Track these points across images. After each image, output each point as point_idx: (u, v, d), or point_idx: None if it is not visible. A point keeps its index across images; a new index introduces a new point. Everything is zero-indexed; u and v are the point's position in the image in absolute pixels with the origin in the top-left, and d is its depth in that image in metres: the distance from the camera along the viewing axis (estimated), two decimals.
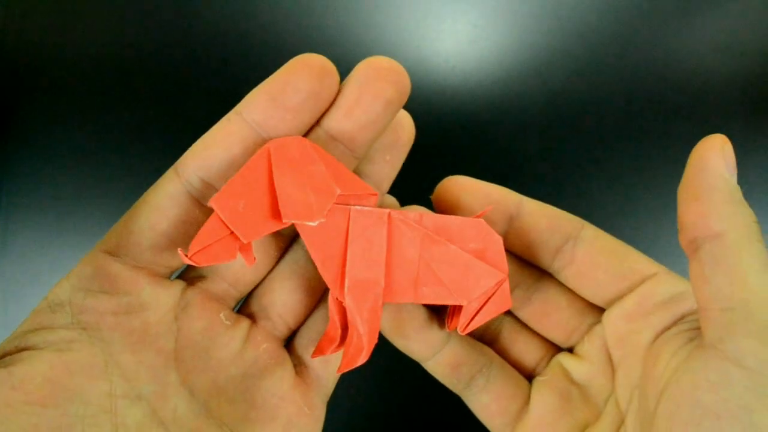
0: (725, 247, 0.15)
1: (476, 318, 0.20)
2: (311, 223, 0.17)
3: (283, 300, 0.20)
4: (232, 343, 0.19)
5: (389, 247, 0.18)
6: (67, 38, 0.33)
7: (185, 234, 0.18)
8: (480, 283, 0.19)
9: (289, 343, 0.21)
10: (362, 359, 0.18)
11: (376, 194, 0.18)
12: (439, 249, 0.19)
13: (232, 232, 0.16)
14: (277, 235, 0.20)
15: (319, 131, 0.18)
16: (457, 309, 0.20)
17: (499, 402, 0.21)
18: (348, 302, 0.18)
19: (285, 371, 0.19)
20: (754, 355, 0.14)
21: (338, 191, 0.17)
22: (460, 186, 0.21)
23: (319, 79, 0.17)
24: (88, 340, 0.16)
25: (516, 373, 0.22)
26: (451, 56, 0.34)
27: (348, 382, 0.22)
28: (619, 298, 0.20)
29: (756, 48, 0.34)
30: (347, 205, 0.18)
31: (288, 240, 0.20)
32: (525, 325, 0.22)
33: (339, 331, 0.18)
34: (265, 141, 0.17)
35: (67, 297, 0.16)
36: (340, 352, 0.19)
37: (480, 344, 0.22)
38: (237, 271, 0.19)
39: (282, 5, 0.33)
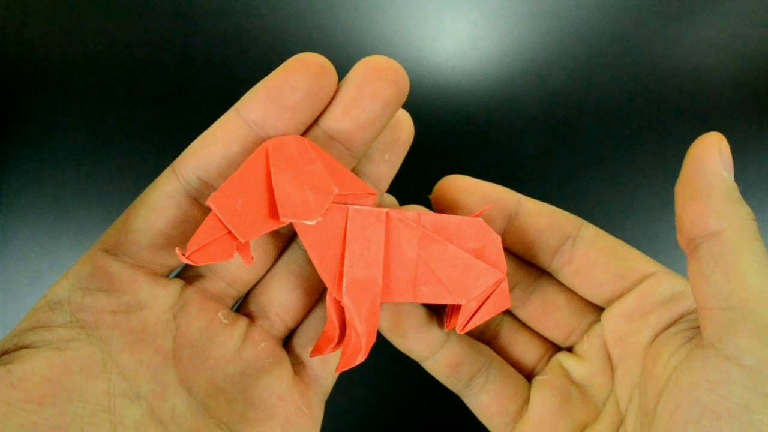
0: (724, 245, 0.15)
1: (475, 317, 0.20)
2: (309, 222, 0.17)
3: (281, 299, 0.20)
4: (230, 342, 0.19)
5: (387, 246, 0.18)
6: (67, 38, 0.33)
7: (183, 233, 0.18)
8: (478, 282, 0.19)
9: (287, 342, 0.21)
10: (360, 358, 0.18)
11: (374, 193, 0.18)
12: (437, 248, 0.19)
13: (229, 232, 0.16)
14: (275, 234, 0.20)
15: (317, 130, 0.18)
16: (455, 308, 0.20)
17: (499, 401, 0.21)
18: (346, 301, 0.18)
19: (283, 370, 0.19)
20: (753, 354, 0.14)
21: (336, 190, 0.17)
22: (458, 185, 0.21)
23: (317, 78, 0.17)
24: (87, 338, 0.16)
25: (515, 373, 0.22)
26: (451, 56, 0.34)
27: (346, 381, 0.22)
28: (618, 297, 0.20)
29: (756, 48, 0.33)
30: (345, 204, 0.18)
31: (286, 239, 0.20)
32: (524, 325, 0.23)
33: (337, 331, 0.18)
34: (263, 140, 0.17)
35: (66, 296, 0.16)
36: (339, 352, 0.19)
37: (479, 344, 0.22)
38: (235, 271, 0.19)
39: (282, 5, 0.33)
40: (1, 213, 0.32)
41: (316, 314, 0.20)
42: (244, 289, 0.20)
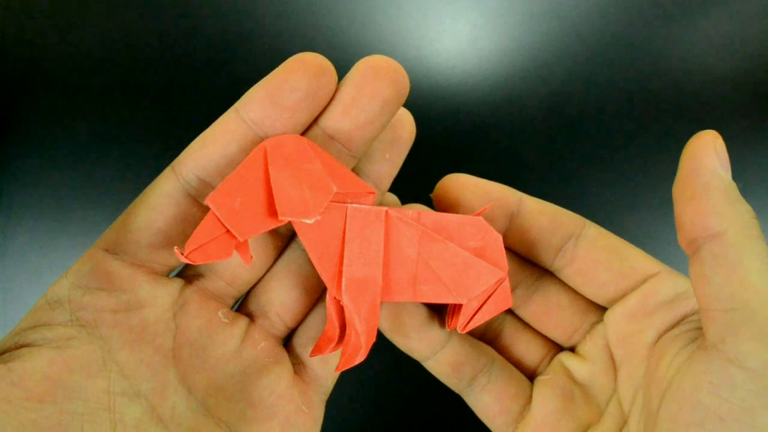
0: (725, 246, 0.15)
1: (476, 317, 0.19)
2: (307, 221, 0.17)
3: (280, 299, 0.20)
4: (230, 341, 0.19)
5: (387, 245, 0.18)
6: (67, 38, 0.33)
7: (183, 232, 0.18)
8: (479, 282, 0.19)
9: (288, 342, 0.21)
10: (360, 358, 0.18)
11: (374, 192, 0.18)
12: (437, 247, 0.19)
13: (228, 231, 0.16)
14: (274, 233, 0.20)
15: (316, 130, 0.18)
16: (457, 308, 0.20)
17: (501, 402, 0.21)
18: (345, 300, 0.18)
19: (283, 369, 0.19)
20: (756, 357, 0.14)
21: (335, 189, 0.17)
22: (460, 184, 0.21)
23: (316, 78, 0.17)
24: (87, 337, 0.16)
25: (517, 373, 0.22)
26: (451, 56, 0.34)
27: (347, 381, 0.22)
28: (621, 297, 0.20)
29: (756, 48, 0.34)
30: (345, 203, 0.18)
31: (286, 239, 0.20)
32: (526, 324, 0.22)
33: (337, 330, 0.18)
34: (262, 139, 0.17)
35: (66, 294, 0.17)
36: (339, 351, 0.19)
37: (481, 343, 0.22)
38: (234, 270, 0.19)
39: (282, 5, 0.33)
40: (1, 213, 0.32)
41: (317, 314, 0.20)
42: (244, 289, 0.20)
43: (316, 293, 0.20)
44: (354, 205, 0.18)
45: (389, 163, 0.20)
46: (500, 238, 0.20)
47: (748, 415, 0.14)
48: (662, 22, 0.34)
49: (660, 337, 0.18)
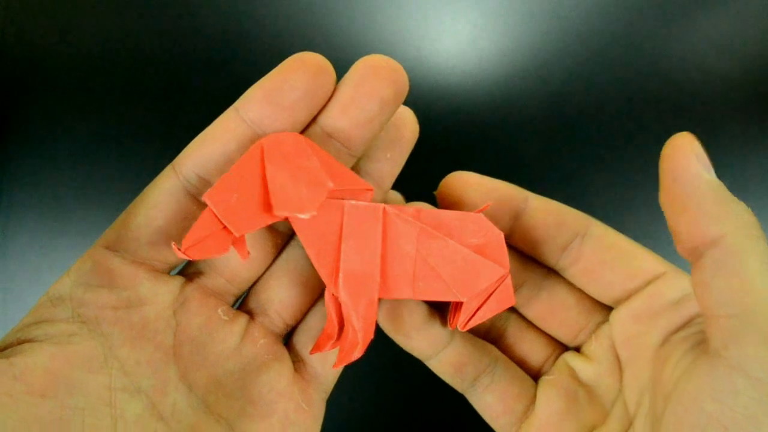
0: (726, 251, 0.15)
1: (477, 315, 0.19)
2: (302, 216, 0.17)
3: (279, 296, 0.20)
4: (230, 339, 0.19)
5: (385, 241, 0.18)
6: (67, 38, 0.33)
7: (182, 229, 0.18)
8: (480, 279, 0.19)
9: (289, 340, 0.21)
10: (357, 354, 0.18)
11: (371, 189, 0.18)
12: (436, 244, 0.19)
13: (224, 226, 0.16)
14: (274, 231, 0.20)
15: (315, 128, 0.18)
16: (459, 306, 0.20)
17: (504, 402, 0.21)
18: (342, 296, 0.18)
19: (283, 367, 0.19)
20: (760, 364, 0.14)
21: (331, 185, 0.17)
22: (463, 181, 0.21)
23: (314, 77, 0.17)
24: (88, 333, 0.16)
25: (521, 373, 0.22)
26: (451, 56, 0.34)
27: (348, 380, 0.22)
28: (627, 297, 0.20)
29: (756, 48, 0.34)
30: (343, 200, 0.18)
31: (285, 237, 0.20)
32: (531, 324, 0.22)
33: (336, 328, 0.18)
34: (260, 138, 0.17)
35: (68, 291, 0.17)
36: (338, 348, 0.19)
37: (484, 343, 0.22)
38: (234, 267, 0.19)
39: (282, 5, 0.34)
40: (1, 213, 0.32)
41: (317, 312, 0.20)
42: (245, 286, 0.20)
43: (316, 291, 0.20)
44: (351, 201, 0.18)
45: (390, 162, 0.20)
46: (501, 235, 0.20)
47: (752, 423, 0.14)
48: (662, 22, 0.34)
49: (666, 338, 0.18)
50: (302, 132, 0.18)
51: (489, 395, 0.21)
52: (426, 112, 0.33)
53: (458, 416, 0.31)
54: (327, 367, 0.20)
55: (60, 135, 0.32)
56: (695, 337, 0.17)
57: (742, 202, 0.15)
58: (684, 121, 0.33)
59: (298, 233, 0.17)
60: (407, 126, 0.20)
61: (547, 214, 0.20)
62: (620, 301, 0.20)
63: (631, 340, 0.19)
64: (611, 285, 0.20)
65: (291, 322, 0.20)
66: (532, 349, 0.22)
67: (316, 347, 0.19)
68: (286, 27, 0.33)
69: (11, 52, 0.33)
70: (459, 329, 0.19)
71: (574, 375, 0.21)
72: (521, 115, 0.33)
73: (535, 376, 0.22)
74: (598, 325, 0.21)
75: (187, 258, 0.16)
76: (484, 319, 0.19)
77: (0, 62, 0.33)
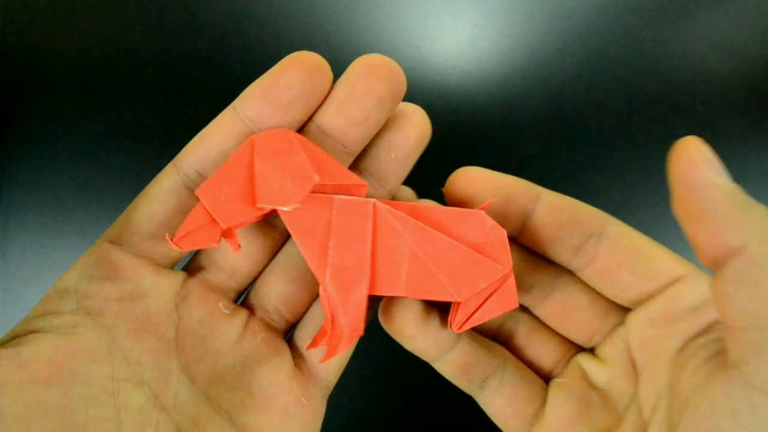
0: (749, 261, 0.14)
1: (474, 316, 0.19)
2: (284, 209, 0.17)
3: (277, 292, 0.20)
4: (230, 332, 0.19)
5: (375, 237, 0.18)
6: (67, 38, 0.33)
7: None
8: (478, 279, 0.18)
9: (291, 336, 0.21)
10: (341, 350, 0.18)
11: (365, 185, 0.18)
12: (432, 241, 0.18)
13: (214, 219, 0.17)
14: (274, 228, 0.20)
15: (312, 126, 0.18)
16: (459, 306, 0.20)
17: (514, 404, 0.20)
18: (330, 290, 0.18)
19: (282, 361, 0.20)
20: None
21: (317, 178, 0.17)
22: (471, 178, 0.20)
23: (310, 76, 0.17)
24: (93, 324, 0.17)
25: (532, 375, 0.21)
26: (451, 56, 0.34)
27: (349, 381, 0.22)
28: (645, 300, 0.19)
29: (756, 48, 0.34)
30: (334, 195, 0.18)
31: (286, 233, 0.20)
32: (543, 324, 0.22)
33: (330, 323, 0.18)
34: None
35: (73, 284, 0.17)
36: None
37: (493, 344, 0.21)
38: (234, 262, 0.20)
39: (282, 5, 0.34)
40: (1, 213, 0.32)
41: (318, 309, 0.21)
42: (245, 281, 0.20)
43: (315, 288, 0.21)
44: (341, 196, 0.18)
45: (396, 162, 0.20)
46: (504, 233, 0.19)
47: None
48: (662, 22, 0.34)
49: (685, 344, 0.17)
50: (300, 130, 0.18)
51: (498, 398, 0.20)
52: (426, 112, 0.33)
53: (460, 417, 0.31)
54: (328, 364, 0.20)
55: (60, 135, 0.32)
56: (714, 345, 0.16)
57: (761, 205, 0.14)
58: (684, 121, 0.33)
59: (289, 229, 0.18)
60: (414, 126, 0.20)
61: (559, 213, 0.19)
62: (638, 303, 0.19)
63: (647, 343, 0.19)
64: (628, 287, 0.19)
65: (290, 317, 0.21)
66: (544, 351, 0.21)
67: (313, 343, 0.20)
68: (285, 27, 0.34)
69: (11, 52, 0.33)
70: (453, 330, 0.19)
71: (586, 378, 0.20)
72: (521, 115, 0.33)
73: (546, 378, 0.21)
74: (614, 327, 0.20)
75: (179, 249, 0.17)
76: (482, 321, 0.19)
77: (0, 62, 0.33)
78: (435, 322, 0.20)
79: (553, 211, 0.20)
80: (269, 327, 0.20)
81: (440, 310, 0.21)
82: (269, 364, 0.19)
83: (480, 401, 0.21)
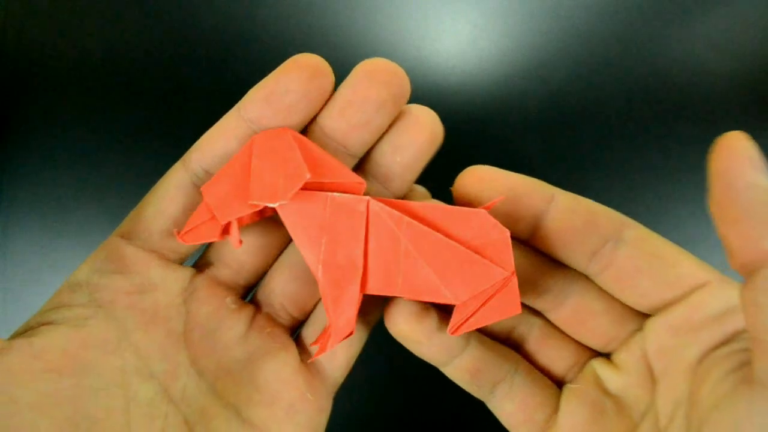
0: None
1: (471, 320, 0.18)
2: (273, 204, 0.17)
3: (281, 288, 0.21)
4: (237, 327, 0.20)
5: (368, 235, 0.18)
6: (67, 38, 0.33)
7: None
8: (477, 281, 0.18)
9: (299, 334, 0.21)
10: (330, 346, 0.18)
11: (363, 183, 0.18)
12: (428, 240, 0.18)
13: (214, 215, 0.18)
14: (280, 225, 0.20)
15: (315, 128, 0.19)
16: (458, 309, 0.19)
17: (525, 410, 0.20)
18: (321, 287, 0.18)
19: (288, 356, 0.20)
20: None
21: (308, 175, 0.17)
22: (479, 177, 0.20)
23: (311, 79, 0.18)
24: (104, 317, 0.18)
25: (544, 380, 0.21)
26: (451, 56, 0.34)
27: (352, 382, 0.22)
28: (665, 306, 0.18)
29: (756, 48, 0.34)
30: (330, 192, 0.18)
31: None
32: (556, 329, 0.21)
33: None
34: None
35: (85, 277, 0.18)
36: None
37: (504, 348, 0.21)
38: (240, 259, 0.20)
39: (282, 5, 0.34)
40: (1, 213, 0.32)
41: None
42: (251, 277, 0.21)
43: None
44: (335, 194, 0.18)
45: (401, 166, 0.19)
46: (507, 234, 0.18)
47: None
48: (662, 22, 0.34)
49: (706, 354, 0.17)
50: (303, 131, 0.19)
51: (509, 403, 0.20)
52: None
53: (462, 417, 0.31)
54: (333, 360, 0.20)
55: (60, 135, 0.33)
56: (738, 356, 0.16)
57: None
58: (684, 121, 0.33)
59: (286, 226, 0.18)
60: (422, 131, 0.19)
61: (574, 216, 0.19)
62: (657, 309, 0.18)
63: (666, 351, 0.18)
64: (647, 294, 0.18)
65: (297, 314, 0.21)
66: (557, 356, 0.21)
67: (317, 340, 0.20)
68: (286, 27, 0.34)
69: (11, 52, 0.33)
70: (447, 333, 0.18)
71: (600, 384, 0.20)
72: (521, 115, 0.33)
73: (559, 383, 0.21)
74: (632, 333, 0.19)
75: (183, 242, 0.18)
76: (479, 326, 0.18)
77: (0, 62, 0.33)
78: (436, 324, 0.19)
79: (567, 213, 0.19)
80: (275, 322, 0.21)
81: (446, 312, 0.20)
82: (275, 358, 0.20)
83: (490, 406, 0.21)
